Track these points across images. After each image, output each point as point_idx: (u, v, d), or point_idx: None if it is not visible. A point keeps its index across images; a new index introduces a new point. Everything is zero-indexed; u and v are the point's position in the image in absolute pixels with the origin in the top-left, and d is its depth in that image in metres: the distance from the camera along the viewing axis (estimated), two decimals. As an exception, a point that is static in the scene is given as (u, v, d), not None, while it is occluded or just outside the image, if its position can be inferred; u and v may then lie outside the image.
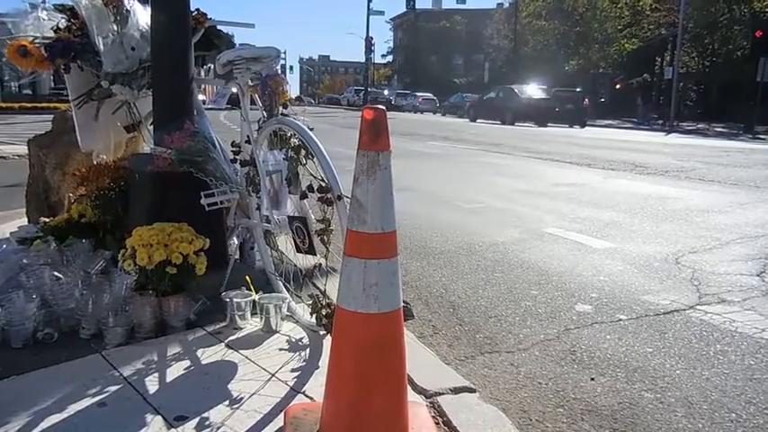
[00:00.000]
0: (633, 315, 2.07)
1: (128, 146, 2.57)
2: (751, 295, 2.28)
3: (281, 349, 1.60)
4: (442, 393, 1.40)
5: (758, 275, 2.54)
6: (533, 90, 17.52)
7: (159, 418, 1.24)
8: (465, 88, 32.00)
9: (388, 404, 1.11)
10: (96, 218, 2.16)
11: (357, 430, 1.10)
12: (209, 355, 1.56)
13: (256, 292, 1.79)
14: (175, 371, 1.46)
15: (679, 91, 18.95)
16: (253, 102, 1.95)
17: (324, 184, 1.52)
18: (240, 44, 1.92)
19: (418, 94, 28.23)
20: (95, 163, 2.37)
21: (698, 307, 2.15)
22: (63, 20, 2.19)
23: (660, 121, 17.61)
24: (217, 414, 1.26)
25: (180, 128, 1.88)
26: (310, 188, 1.61)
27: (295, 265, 1.85)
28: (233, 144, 2.00)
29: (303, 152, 1.69)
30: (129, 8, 2.12)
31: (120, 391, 1.35)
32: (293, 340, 1.66)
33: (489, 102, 18.24)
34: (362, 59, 39.32)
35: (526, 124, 16.26)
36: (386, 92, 34.05)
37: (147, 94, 2.16)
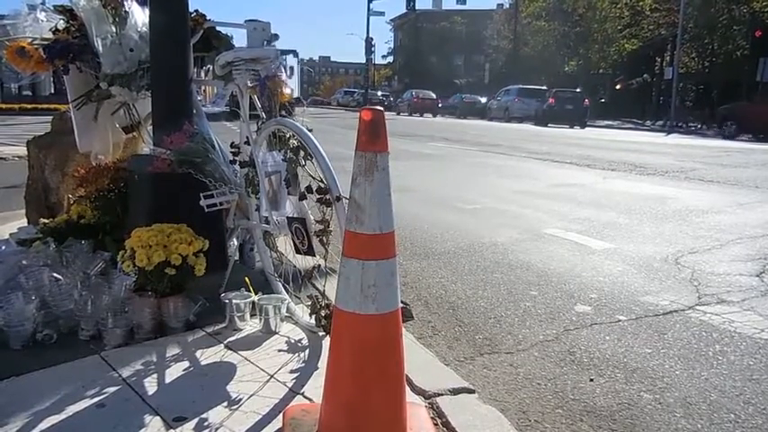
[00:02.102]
0: (632, 316, 2.07)
1: (127, 147, 2.57)
2: (750, 296, 2.28)
3: (280, 350, 1.60)
4: (441, 394, 1.40)
5: (757, 276, 2.54)
6: (425, 93, 26.30)
7: (158, 418, 1.24)
8: (465, 89, 32.05)
9: (386, 405, 1.11)
10: (95, 219, 2.16)
11: (356, 431, 1.10)
12: (208, 355, 1.56)
13: (256, 293, 1.79)
14: (174, 372, 1.46)
15: (679, 91, 18.96)
16: (253, 107, 1.95)
17: (323, 186, 1.53)
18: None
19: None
20: (94, 164, 2.37)
21: (697, 307, 2.15)
22: (62, 21, 2.19)
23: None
24: (216, 415, 1.26)
25: (179, 129, 1.88)
26: (309, 189, 1.61)
27: (294, 266, 1.85)
28: (232, 145, 2.00)
29: (302, 153, 1.69)
30: (127, 9, 2.12)
31: (119, 391, 1.35)
32: (292, 341, 1.66)
33: (405, 101, 26.43)
34: (363, 60, 39.36)
35: (426, 115, 24.12)
36: (379, 92, 34.98)
37: (146, 95, 2.16)
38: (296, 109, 1.83)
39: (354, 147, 1.06)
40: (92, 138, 2.37)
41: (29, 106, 15.69)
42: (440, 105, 25.12)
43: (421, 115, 23.85)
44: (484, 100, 24.45)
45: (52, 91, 17.67)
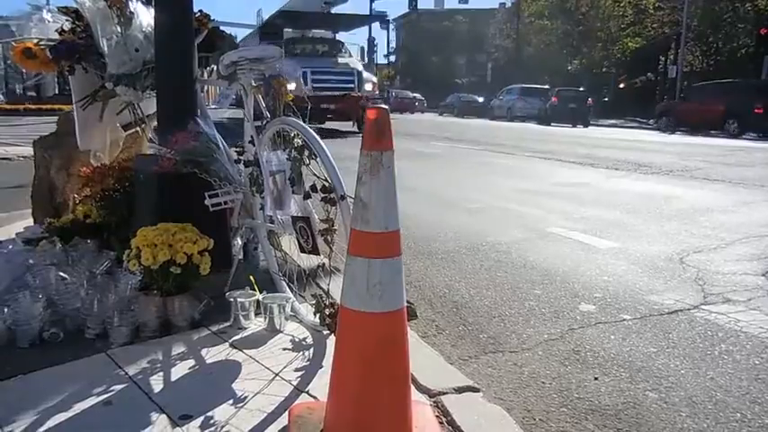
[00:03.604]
0: (637, 315, 2.06)
1: (131, 147, 2.58)
2: (756, 295, 2.27)
3: (284, 349, 1.61)
4: (446, 393, 1.41)
5: (763, 275, 2.53)
6: (404, 93, 29.84)
7: (164, 416, 1.24)
8: (467, 88, 32.15)
9: (392, 403, 1.11)
10: (101, 218, 2.18)
11: (361, 429, 1.10)
12: (213, 354, 1.56)
13: (260, 292, 1.80)
14: (180, 370, 1.47)
15: (683, 89, 18.88)
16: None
17: (327, 185, 1.53)
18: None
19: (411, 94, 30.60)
20: (93, 162, 2.39)
21: (702, 307, 2.14)
22: (67, 22, 2.20)
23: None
24: (221, 413, 1.26)
25: (184, 128, 1.89)
26: (314, 188, 1.61)
27: (299, 265, 1.85)
28: (237, 145, 2.01)
29: (306, 152, 1.69)
30: (132, 10, 2.13)
31: (126, 389, 1.36)
32: (297, 340, 1.67)
33: (388, 100, 28.53)
34: (365, 60, 39.32)
35: (405, 113, 25.80)
36: None
37: (151, 94, 2.17)
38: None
39: (359, 146, 1.07)
40: (92, 136, 2.39)
41: (33, 107, 15.79)
42: (416, 104, 27.83)
43: (401, 113, 25.93)
44: (481, 99, 25.20)
45: (56, 91, 17.81)
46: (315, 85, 9.97)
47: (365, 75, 10.83)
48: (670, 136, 13.29)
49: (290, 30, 11.66)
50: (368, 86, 10.84)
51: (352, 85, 10.48)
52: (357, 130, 10.40)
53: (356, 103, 9.94)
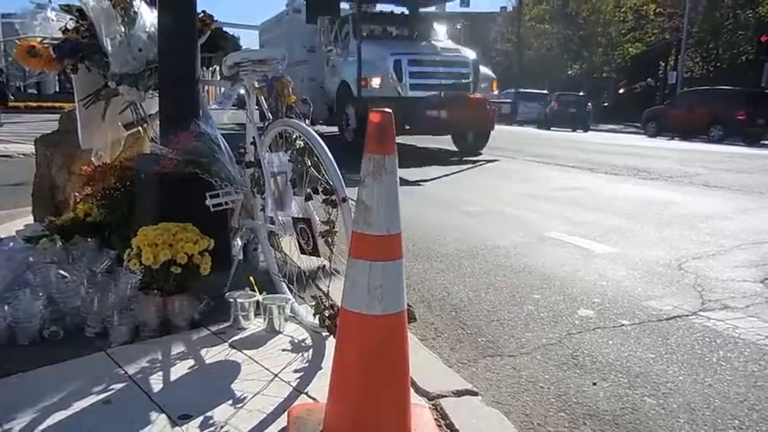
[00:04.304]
0: (636, 320, 2.07)
1: (133, 146, 2.59)
2: (755, 302, 2.28)
3: (284, 350, 1.61)
4: (445, 396, 1.41)
5: (762, 282, 2.53)
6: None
7: (164, 416, 1.25)
8: (468, 91, 32.18)
9: (391, 405, 1.11)
10: (102, 217, 2.18)
11: (360, 431, 1.10)
12: (212, 354, 1.57)
13: (260, 293, 1.80)
14: (180, 370, 1.47)
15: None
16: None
17: (328, 186, 1.53)
18: None
19: None
20: (95, 161, 2.39)
21: (701, 313, 2.14)
22: (71, 21, 2.21)
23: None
24: (221, 413, 1.27)
25: (186, 129, 1.89)
26: (315, 190, 1.61)
27: (299, 267, 1.86)
28: (238, 146, 2.01)
29: (308, 154, 1.70)
30: (136, 10, 2.14)
31: (125, 389, 1.36)
32: (296, 341, 1.67)
33: None
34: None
35: None
36: None
37: (154, 94, 2.18)
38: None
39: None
40: (93, 135, 2.40)
41: (34, 104, 15.82)
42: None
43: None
44: None
45: (57, 89, 17.86)
46: (413, 81, 6.71)
47: (482, 68, 7.41)
48: (669, 142, 13.32)
49: (347, 4, 7.90)
50: (484, 84, 7.42)
51: (468, 81, 6.99)
52: (456, 149, 7.14)
53: (481, 109, 6.58)
